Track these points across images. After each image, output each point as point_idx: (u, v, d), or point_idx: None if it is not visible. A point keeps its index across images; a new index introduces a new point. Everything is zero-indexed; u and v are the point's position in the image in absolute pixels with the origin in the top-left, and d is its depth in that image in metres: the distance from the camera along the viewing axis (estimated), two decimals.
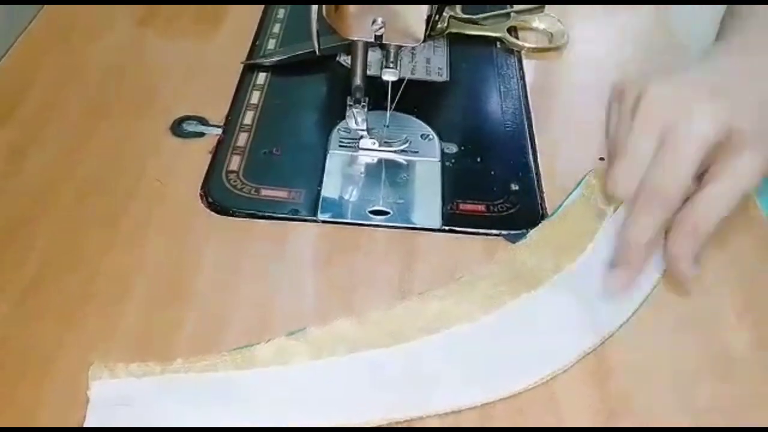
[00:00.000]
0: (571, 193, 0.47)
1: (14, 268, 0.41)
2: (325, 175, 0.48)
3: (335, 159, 0.50)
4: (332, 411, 0.35)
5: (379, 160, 0.50)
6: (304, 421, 0.35)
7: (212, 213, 0.45)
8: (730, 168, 0.38)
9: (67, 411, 0.35)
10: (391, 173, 0.49)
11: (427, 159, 0.50)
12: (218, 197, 0.46)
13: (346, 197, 0.47)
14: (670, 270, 0.41)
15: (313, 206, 0.46)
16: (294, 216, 0.45)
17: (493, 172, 0.50)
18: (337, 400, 0.36)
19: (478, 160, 0.51)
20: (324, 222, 0.45)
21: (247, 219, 0.45)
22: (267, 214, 0.45)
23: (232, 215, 0.45)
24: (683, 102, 0.38)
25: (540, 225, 0.45)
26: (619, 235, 0.41)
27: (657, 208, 0.38)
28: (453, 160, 0.50)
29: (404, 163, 0.50)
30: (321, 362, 0.37)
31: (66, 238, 0.43)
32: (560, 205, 0.46)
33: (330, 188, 0.47)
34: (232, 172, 0.48)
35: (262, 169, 0.48)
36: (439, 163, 0.50)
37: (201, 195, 0.46)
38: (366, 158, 0.50)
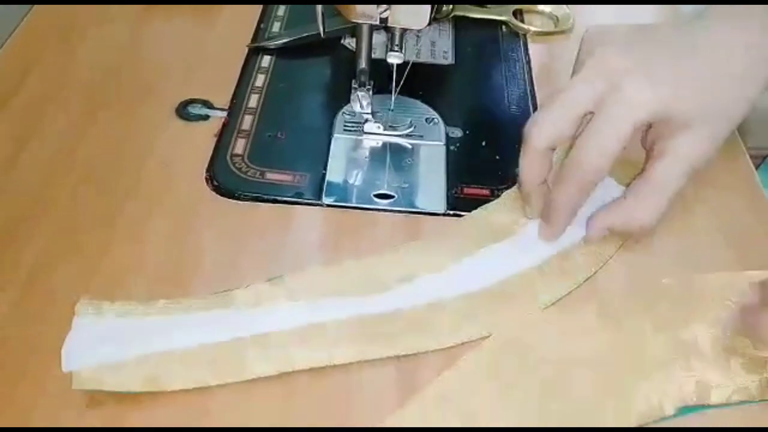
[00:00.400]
0: None
1: (20, 249, 0.41)
2: (329, 159, 0.48)
3: (340, 143, 0.50)
4: (315, 344, 0.37)
5: (384, 144, 0.50)
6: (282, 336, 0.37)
7: (217, 196, 0.45)
8: (670, 149, 0.39)
9: (66, 411, 0.35)
10: (395, 157, 0.49)
11: (431, 143, 0.50)
12: (223, 180, 0.46)
13: (351, 181, 0.47)
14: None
15: (317, 190, 0.46)
16: (299, 199, 0.46)
17: (497, 157, 0.50)
18: (317, 336, 0.37)
19: (483, 144, 0.51)
20: (329, 206, 0.46)
21: (252, 202, 0.45)
22: (272, 197, 0.46)
23: (237, 198, 0.45)
24: (625, 75, 0.37)
25: (513, 187, 0.45)
26: (546, 195, 0.42)
27: (579, 180, 0.39)
28: (458, 145, 0.50)
29: (409, 147, 0.50)
30: (299, 303, 0.38)
31: (70, 221, 0.43)
32: None
33: (335, 172, 0.48)
34: (237, 155, 0.48)
35: (267, 153, 0.48)
36: (444, 148, 0.50)
37: (206, 178, 0.46)
38: (371, 142, 0.50)
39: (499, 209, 0.44)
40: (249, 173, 0.47)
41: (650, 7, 0.65)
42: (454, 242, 0.42)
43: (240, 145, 0.49)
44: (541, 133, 0.39)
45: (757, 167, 0.50)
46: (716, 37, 0.39)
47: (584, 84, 0.38)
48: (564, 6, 0.63)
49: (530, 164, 0.40)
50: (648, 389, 0.34)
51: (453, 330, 0.38)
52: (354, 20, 0.44)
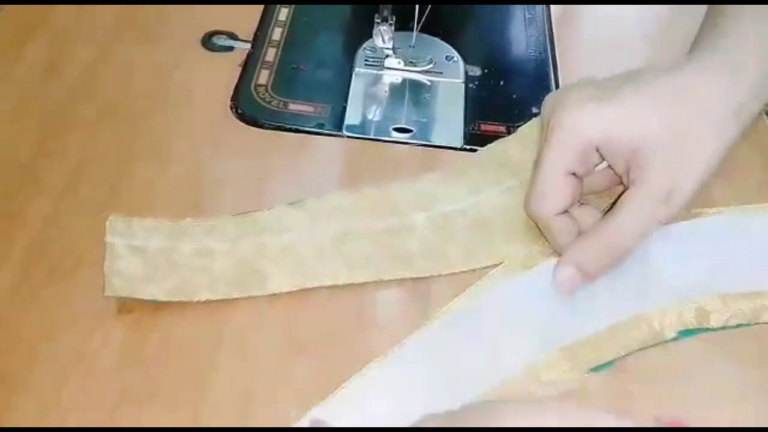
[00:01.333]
0: None
1: (51, 169, 0.43)
2: (350, 92, 0.49)
3: (360, 77, 0.51)
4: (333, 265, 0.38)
5: (404, 80, 0.51)
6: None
7: (241, 124, 0.47)
8: (642, 178, 0.36)
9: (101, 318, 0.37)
10: (414, 93, 0.50)
11: (450, 80, 0.51)
12: (247, 109, 0.47)
13: (370, 115, 0.49)
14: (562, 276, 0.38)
15: (338, 122, 0.48)
16: (320, 130, 0.47)
17: (515, 96, 0.51)
18: (336, 255, 0.39)
19: (501, 83, 0.52)
20: (349, 137, 0.47)
21: (275, 131, 0.47)
22: (294, 127, 0.47)
23: (260, 127, 0.47)
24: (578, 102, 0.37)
25: (531, 121, 0.46)
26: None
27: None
28: (476, 83, 0.51)
29: (428, 83, 0.51)
30: (319, 224, 0.40)
31: (95, 145, 0.45)
32: None
33: (355, 105, 0.49)
34: (261, 85, 0.49)
35: (290, 84, 0.50)
36: (463, 85, 0.51)
37: (231, 106, 0.48)
38: (391, 77, 0.51)
39: (516, 143, 0.45)
40: (272, 103, 0.48)
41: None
42: (472, 175, 0.43)
43: (264, 76, 0.50)
44: (542, 208, 0.38)
45: None
46: (692, 86, 0.37)
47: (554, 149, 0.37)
48: None
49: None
50: (651, 316, 0.36)
51: (466, 256, 0.40)
52: None
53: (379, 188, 0.42)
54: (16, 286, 0.38)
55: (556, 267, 0.37)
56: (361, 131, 0.47)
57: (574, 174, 0.37)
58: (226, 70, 0.50)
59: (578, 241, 0.37)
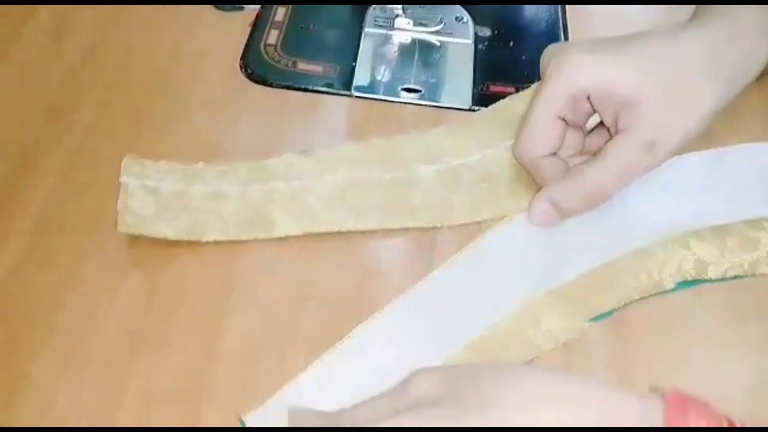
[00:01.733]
0: None
1: (65, 130, 0.44)
2: (359, 52, 0.50)
3: (370, 37, 0.51)
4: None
5: (413, 40, 0.51)
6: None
7: (251, 83, 0.47)
8: (629, 125, 0.37)
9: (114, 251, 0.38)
10: (424, 53, 0.50)
11: (460, 41, 0.51)
12: (257, 68, 0.48)
13: (379, 75, 0.49)
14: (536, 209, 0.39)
15: (347, 81, 0.48)
16: (329, 89, 0.47)
17: (524, 57, 0.51)
18: (343, 201, 0.40)
19: (511, 44, 0.51)
20: (357, 97, 0.47)
21: (284, 90, 0.47)
22: (303, 86, 0.47)
23: (269, 86, 0.47)
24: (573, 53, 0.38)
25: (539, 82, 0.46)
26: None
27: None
28: (485, 44, 0.51)
29: (437, 44, 0.51)
30: (328, 172, 0.41)
31: (109, 105, 0.45)
32: None
33: (364, 65, 0.49)
34: (270, 45, 0.50)
35: (299, 44, 0.50)
36: (472, 46, 0.51)
37: (240, 65, 0.48)
38: (400, 38, 0.51)
39: (524, 101, 0.45)
40: (281, 62, 0.48)
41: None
42: (480, 131, 0.43)
43: (273, 36, 0.50)
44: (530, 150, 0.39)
45: None
46: (688, 51, 0.38)
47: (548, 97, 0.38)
48: None
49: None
50: (650, 266, 0.37)
51: (470, 209, 0.40)
52: None
53: (387, 140, 0.42)
54: (28, 252, 0.38)
55: (532, 200, 0.39)
56: (369, 91, 0.48)
57: (563, 120, 0.38)
58: (236, 30, 0.50)
59: (561, 179, 0.39)
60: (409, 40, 0.51)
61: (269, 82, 0.47)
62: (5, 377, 0.34)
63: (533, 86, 0.46)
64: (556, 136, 0.39)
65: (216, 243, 0.38)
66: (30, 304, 0.36)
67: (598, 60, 0.37)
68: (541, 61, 0.40)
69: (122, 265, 0.38)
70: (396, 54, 0.50)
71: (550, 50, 0.39)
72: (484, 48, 0.51)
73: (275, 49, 0.49)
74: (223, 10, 0.52)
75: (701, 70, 0.38)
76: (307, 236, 0.39)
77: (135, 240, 0.38)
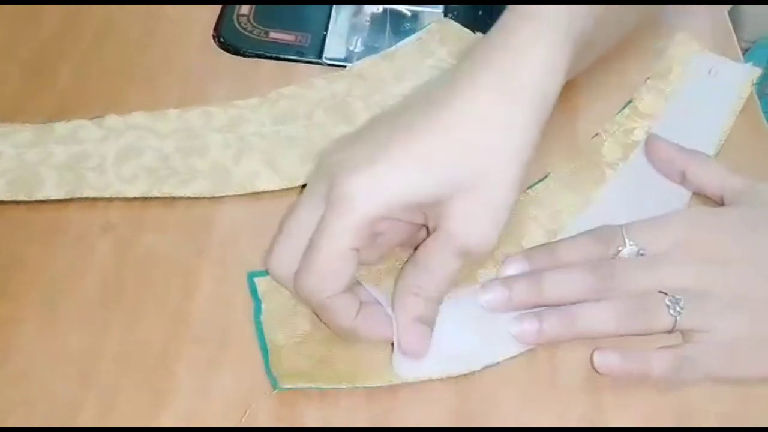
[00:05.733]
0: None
1: (44, 92, 0.45)
2: (330, 22, 0.50)
3: (342, 7, 0.51)
4: None
5: (384, 10, 0.52)
6: None
7: (223, 52, 0.48)
8: (441, 227, 0.34)
9: None
10: (395, 23, 0.51)
11: (430, 10, 0.52)
12: (229, 38, 0.49)
13: (351, 45, 0.50)
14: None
15: (318, 50, 0.49)
16: (300, 58, 0.48)
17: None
18: None
19: (480, 13, 0.52)
20: (329, 65, 0.48)
21: (256, 59, 0.48)
22: (274, 55, 0.48)
23: (242, 55, 0.48)
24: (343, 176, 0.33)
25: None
26: None
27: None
28: (456, 12, 0.52)
29: (408, 14, 0.52)
30: None
31: (87, 70, 0.47)
32: None
33: (336, 34, 0.50)
34: (243, 15, 0.50)
35: (271, 14, 0.51)
36: (442, 15, 0.52)
37: (213, 35, 0.49)
38: (371, 7, 0.52)
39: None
40: (254, 32, 0.49)
41: None
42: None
43: (246, 7, 0.51)
44: (275, 270, 0.35)
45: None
46: (465, 122, 0.33)
47: (304, 207, 0.34)
48: None
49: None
50: None
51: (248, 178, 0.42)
52: None
53: (180, 111, 0.44)
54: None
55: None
56: (341, 59, 0.48)
57: (357, 249, 0.33)
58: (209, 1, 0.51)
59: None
60: (380, 10, 0.52)
61: (242, 52, 0.48)
62: None
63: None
64: (349, 271, 0.33)
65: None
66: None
67: (375, 176, 0.32)
68: (316, 173, 0.35)
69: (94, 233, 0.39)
70: (368, 23, 0.51)
71: (326, 168, 0.34)
72: (453, 17, 0.52)
73: (248, 20, 0.50)
74: None
75: (490, 143, 0.33)
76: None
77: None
